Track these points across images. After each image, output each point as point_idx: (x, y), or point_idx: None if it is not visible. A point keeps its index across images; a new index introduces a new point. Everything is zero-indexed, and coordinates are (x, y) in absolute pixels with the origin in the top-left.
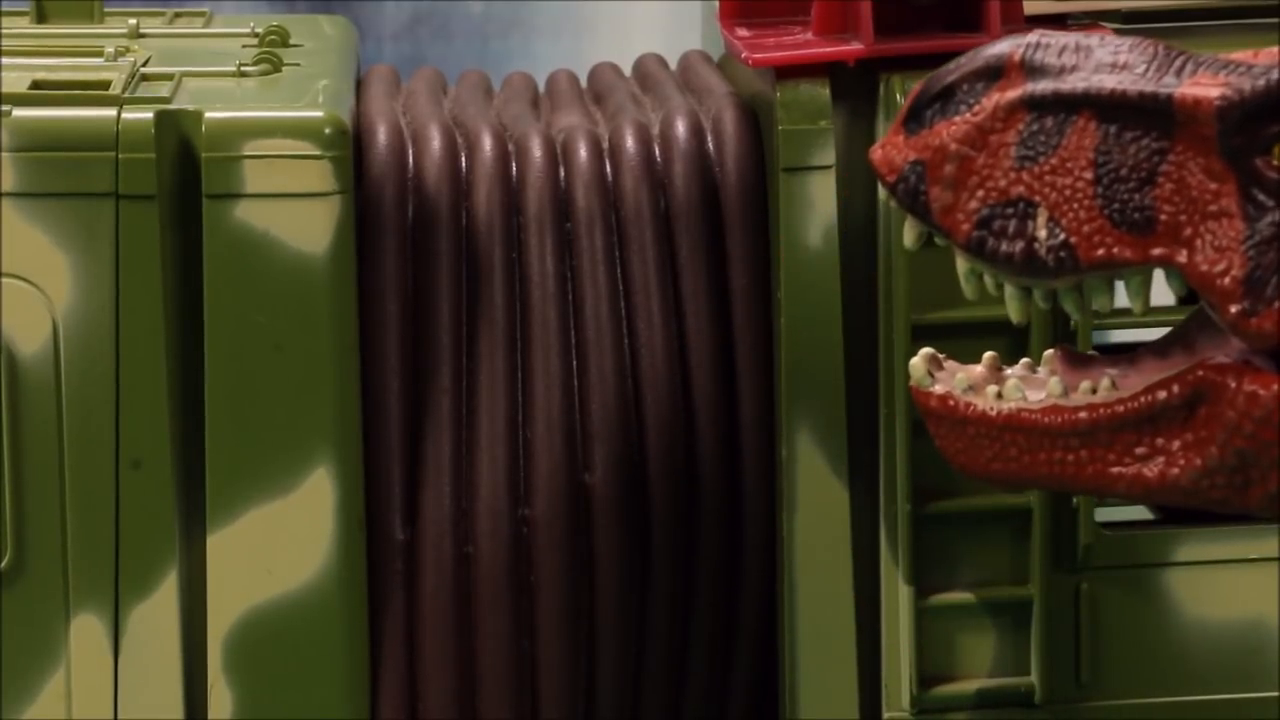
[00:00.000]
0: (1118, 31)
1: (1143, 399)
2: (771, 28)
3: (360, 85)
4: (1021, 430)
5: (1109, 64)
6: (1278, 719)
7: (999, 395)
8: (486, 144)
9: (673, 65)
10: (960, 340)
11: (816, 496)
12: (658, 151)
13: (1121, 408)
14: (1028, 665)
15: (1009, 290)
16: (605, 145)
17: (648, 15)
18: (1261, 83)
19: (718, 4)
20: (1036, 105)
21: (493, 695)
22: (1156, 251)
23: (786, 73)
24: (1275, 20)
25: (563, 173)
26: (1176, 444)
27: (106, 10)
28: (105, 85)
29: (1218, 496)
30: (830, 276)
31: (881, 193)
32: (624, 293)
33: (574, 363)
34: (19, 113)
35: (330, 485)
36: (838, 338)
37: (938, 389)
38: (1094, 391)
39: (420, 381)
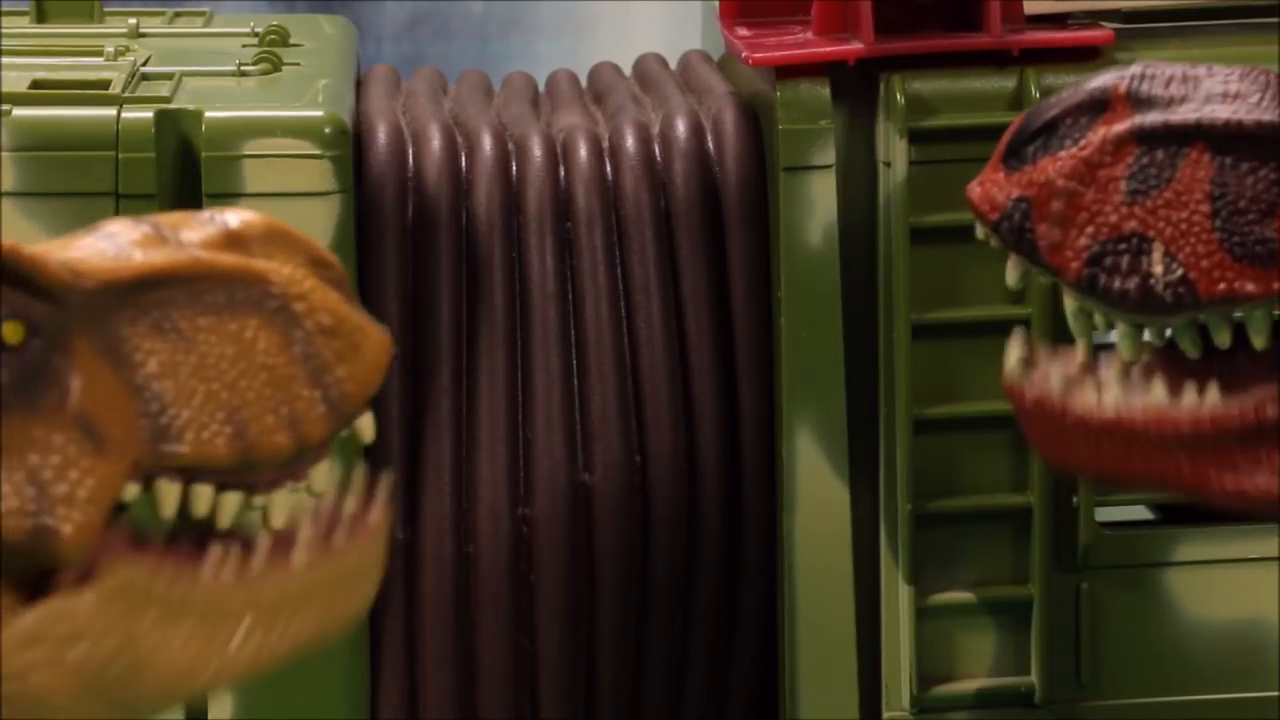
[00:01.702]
0: (1117, 32)
1: (1252, 412)
2: (771, 28)
3: (360, 85)
4: (1123, 437)
5: (1220, 94)
6: (1278, 719)
7: (1099, 400)
8: (486, 144)
9: (673, 65)
10: (960, 340)
11: (816, 496)
12: (658, 151)
13: (1229, 421)
14: (1028, 665)
15: (1120, 329)
16: (605, 145)
17: (648, 15)
18: None
19: (718, 4)
20: (1146, 138)
21: (493, 695)
22: None
23: (786, 72)
24: (1275, 20)
25: (563, 172)
26: None
27: (106, 10)
28: (105, 85)
29: None
30: (830, 276)
31: (882, 197)
32: (624, 292)
33: (574, 362)
34: (19, 112)
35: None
36: (838, 338)
37: (1031, 389)
38: (1200, 395)
39: (420, 381)
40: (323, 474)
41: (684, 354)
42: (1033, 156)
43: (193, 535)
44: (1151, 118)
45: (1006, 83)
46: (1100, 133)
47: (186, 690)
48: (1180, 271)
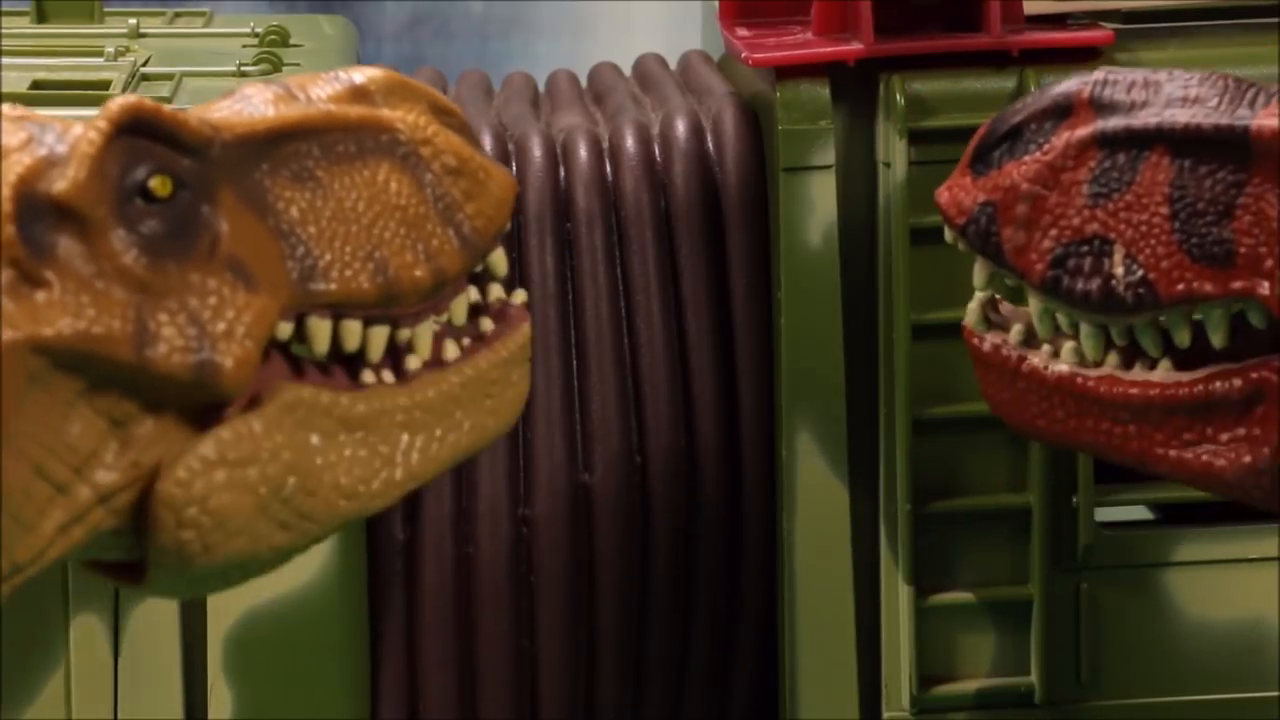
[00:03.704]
0: (1117, 32)
1: (1200, 387)
2: (771, 28)
3: None
4: (1073, 395)
5: (1180, 98)
6: (1278, 719)
7: (1055, 354)
8: (487, 144)
9: (673, 65)
10: (960, 340)
11: (816, 496)
12: (658, 151)
13: (1178, 391)
14: (1028, 665)
15: (1085, 330)
16: (605, 145)
17: (648, 15)
18: None
19: (718, 4)
20: (1108, 142)
21: (493, 695)
22: (1237, 284)
23: (786, 73)
24: (1275, 20)
25: (563, 173)
26: (1226, 436)
27: (106, 10)
28: (105, 85)
29: (1258, 496)
30: (830, 276)
31: (882, 197)
32: (624, 292)
33: (574, 362)
34: None
35: None
36: (838, 338)
37: (991, 336)
38: (1152, 369)
39: None
40: (462, 306)
41: (684, 354)
42: (998, 161)
43: (347, 367)
44: (1113, 122)
45: (1006, 83)
46: (1064, 137)
47: (355, 507)
48: (1141, 272)
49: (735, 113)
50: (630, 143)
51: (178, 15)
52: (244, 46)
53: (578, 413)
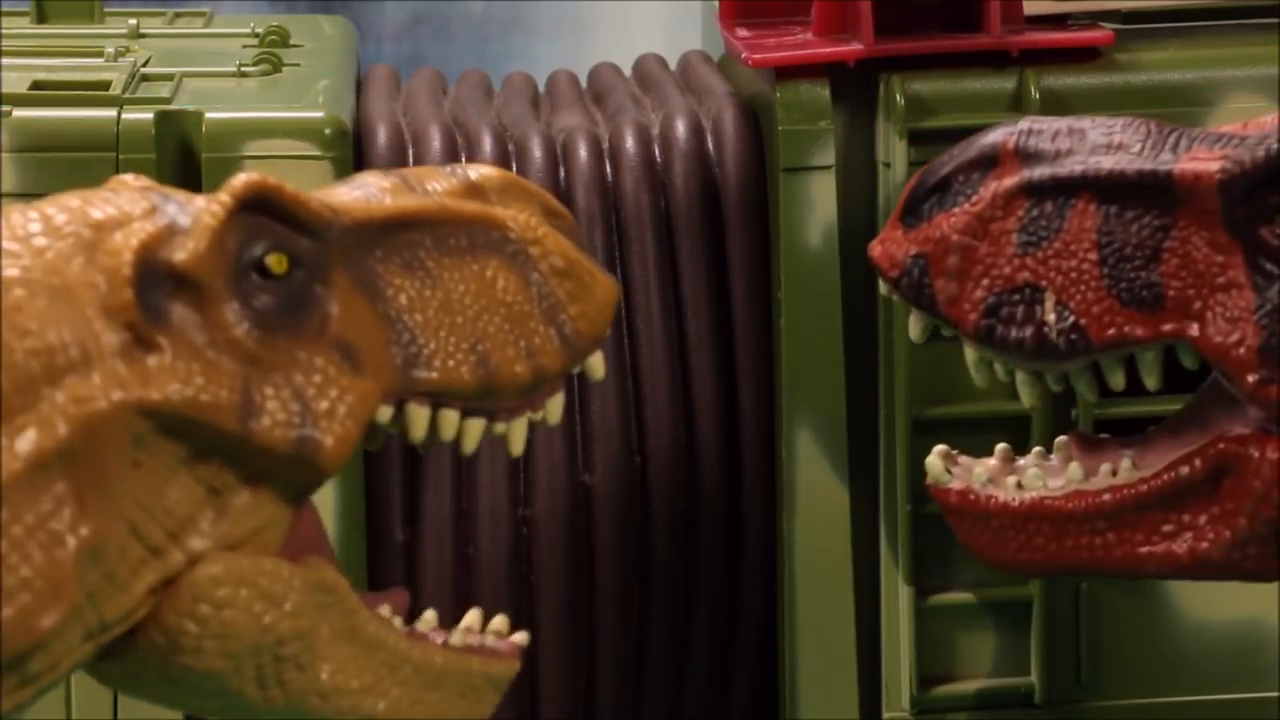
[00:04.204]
0: (1117, 32)
1: (1166, 476)
2: (771, 28)
3: (360, 85)
4: (1046, 518)
5: (1104, 145)
6: (1277, 719)
7: (1019, 485)
8: (486, 144)
9: (673, 65)
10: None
11: (816, 496)
12: (658, 152)
13: (1145, 487)
14: (1028, 665)
15: (1020, 376)
16: (605, 146)
17: (648, 15)
18: (1261, 153)
19: (718, 4)
20: (1035, 191)
21: None
22: (1167, 327)
23: (786, 73)
24: (1275, 20)
25: (563, 173)
26: (1203, 518)
27: (106, 10)
28: (105, 85)
29: (1251, 567)
30: (830, 276)
31: (882, 197)
32: (624, 293)
33: None
34: (19, 113)
35: (330, 486)
36: (838, 338)
37: (956, 485)
38: (1114, 474)
39: None
40: (556, 406)
41: (684, 354)
42: (928, 213)
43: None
44: (1039, 171)
45: (1006, 83)
46: (991, 188)
47: (322, 707)
48: (1072, 319)
49: (735, 113)
50: (630, 143)
51: (178, 15)
52: (244, 47)
53: (578, 413)
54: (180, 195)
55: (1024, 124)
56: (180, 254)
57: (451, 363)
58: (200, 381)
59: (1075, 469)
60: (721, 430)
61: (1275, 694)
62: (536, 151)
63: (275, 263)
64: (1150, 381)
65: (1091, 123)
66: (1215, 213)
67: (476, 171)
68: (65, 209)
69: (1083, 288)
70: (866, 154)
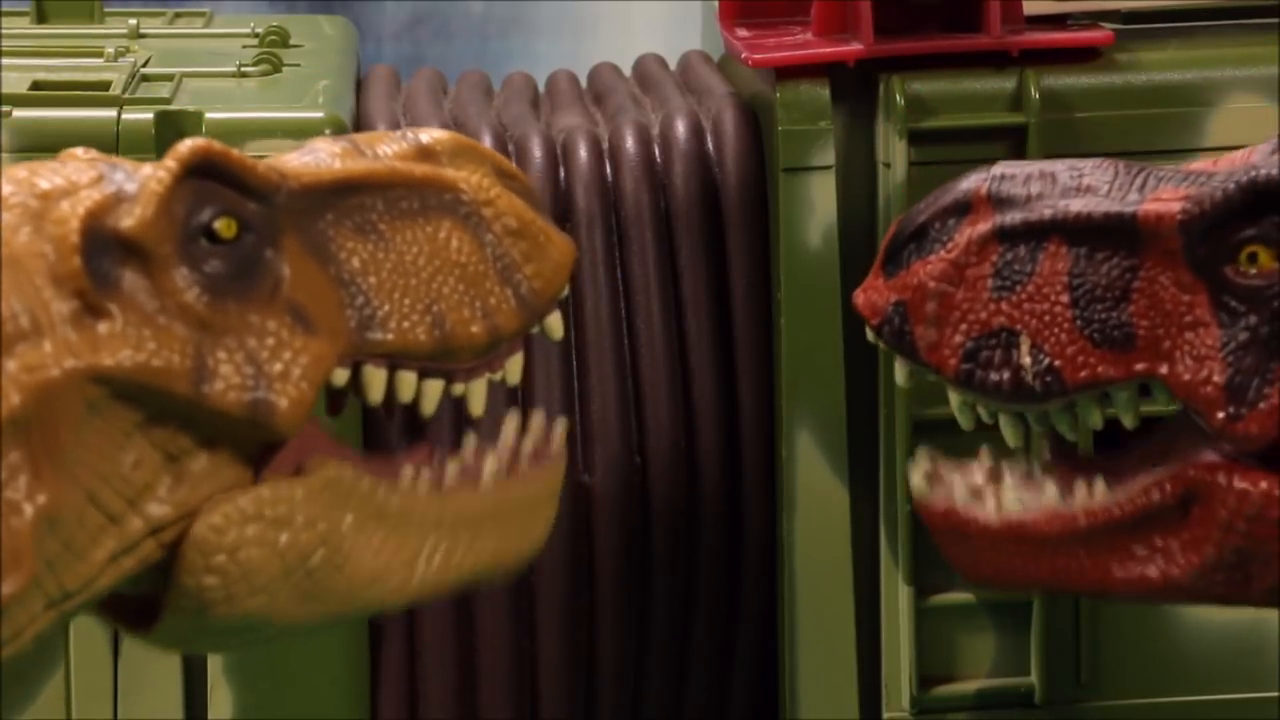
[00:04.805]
0: (1117, 32)
1: (1138, 500)
2: (771, 28)
3: (360, 85)
4: (1023, 539)
5: (1073, 187)
6: (1278, 719)
7: (999, 505)
8: (486, 144)
9: (673, 65)
10: None
11: (816, 496)
12: (658, 152)
13: (1118, 510)
14: (1028, 665)
15: (1003, 418)
16: (605, 146)
17: (648, 15)
18: (1220, 193)
19: (718, 4)
20: (1007, 236)
21: (493, 695)
22: (1139, 366)
23: (786, 73)
24: (1275, 20)
25: (563, 173)
26: (1175, 544)
27: (106, 10)
28: (105, 86)
29: (1219, 593)
30: (830, 276)
31: (882, 197)
32: (624, 293)
33: (574, 362)
34: (19, 113)
35: None
36: (838, 338)
37: (939, 503)
38: (1090, 495)
39: None
40: (516, 366)
41: (684, 354)
42: (907, 261)
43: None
44: (1011, 216)
45: (1006, 83)
46: (965, 234)
47: (374, 597)
48: (1047, 361)
49: (735, 113)
50: (630, 143)
51: (178, 15)
52: (244, 47)
53: (578, 413)
54: (128, 164)
55: (997, 169)
56: (127, 220)
57: (406, 324)
58: (152, 347)
59: (1051, 490)
60: (721, 430)
61: (1275, 694)
62: (536, 152)
63: (224, 227)
64: (1126, 420)
65: (1063, 165)
66: (1178, 253)
67: (428, 135)
68: (12, 180)
69: (1056, 330)
70: (866, 154)
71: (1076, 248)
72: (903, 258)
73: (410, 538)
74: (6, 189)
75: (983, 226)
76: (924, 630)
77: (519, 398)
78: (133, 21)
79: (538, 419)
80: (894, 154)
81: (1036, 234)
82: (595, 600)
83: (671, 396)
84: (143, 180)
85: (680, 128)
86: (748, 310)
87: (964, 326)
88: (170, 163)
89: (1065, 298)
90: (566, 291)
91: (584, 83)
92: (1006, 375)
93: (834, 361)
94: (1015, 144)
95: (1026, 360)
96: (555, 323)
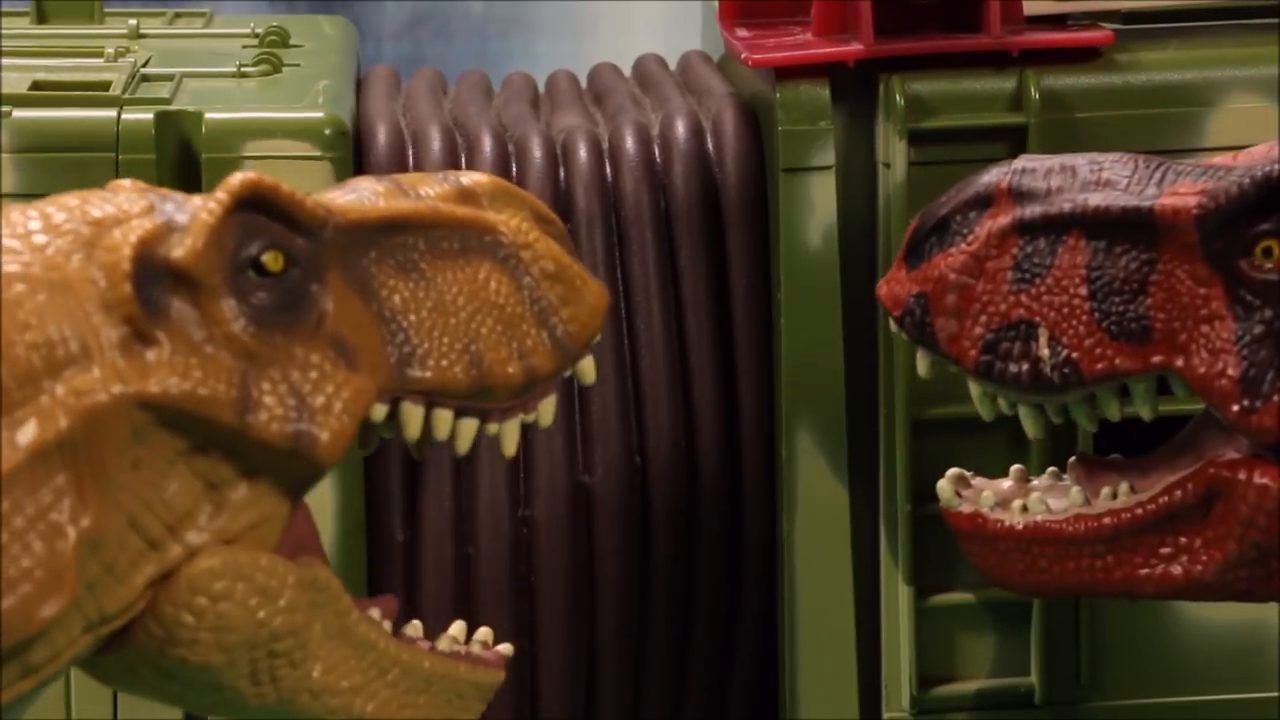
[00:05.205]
0: (1117, 32)
1: (1161, 500)
2: (771, 28)
3: (360, 85)
4: (1048, 541)
5: (1092, 181)
6: (1277, 719)
7: (1024, 509)
8: (486, 144)
9: (673, 65)
10: None
11: (816, 496)
12: (657, 152)
13: (1141, 510)
14: (1028, 665)
15: (1023, 409)
16: (605, 146)
17: (648, 15)
18: (1235, 188)
19: (718, 4)
20: (1027, 229)
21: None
22: (1156, 359)
23: (786, 73)
24: (1275, 20)
25: (563, 173)
26: (1198, 541)
27: (106, 10)
28: (105, 86)
29: (1243, 589)
30: (830, 276)
31: (882, 197)
32: (624, 293)
33: None
34: (19, 113)
35: (330, 486)
36: (838, 338)
37: (965, 508)
38: (1115, 497)
39: None
40: (549, 408)
41: (684, 354)
42: (929, 253)
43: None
44: (1031, 210)
45: (1006, 84)
46: (986, 227)
47: (314, 706)
48: (1065, 353)
49: (735, 113)
50: (630, 143)
51: (178, 15)
52: (244, 47)
53: (577, 414)
54: (177, 195)
55: (1018, 163)
56: (178, 250)
57: (445, 362)
58: (198, 375)
59: (1076, 493)
60: (721, 430)
61: (1275, 694)
62: (536, 152)
63: (271, 260)
64: (1144, 412)
65: (1084, 159)
66: (1195, 247)
67: (469, 177)
68: (64, 208)
69: (1074, 323)
70: (866, 154)
71: (1095, 241)
72: (925, 250)
73: (364, 668)
74: (59, 216)
75: (1003, 220)
76: (924, 630)
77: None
78: (133, 21)
79: (484, 632)
80: (894, 154)
81: (1056, 227)
82: (595, 600)
83: (671, 396)
84: (193, 211)
85: (680, 128)
86: (748, 310)
87: (984, 318)
88: (221, 195)
89: (1084, 290)
90: (599, 337)
91: (584, 83)
92: (1025, 367)
93: (834, 362)
94: (1015, 144)
95: (1045, 352)
96: (588, 366)
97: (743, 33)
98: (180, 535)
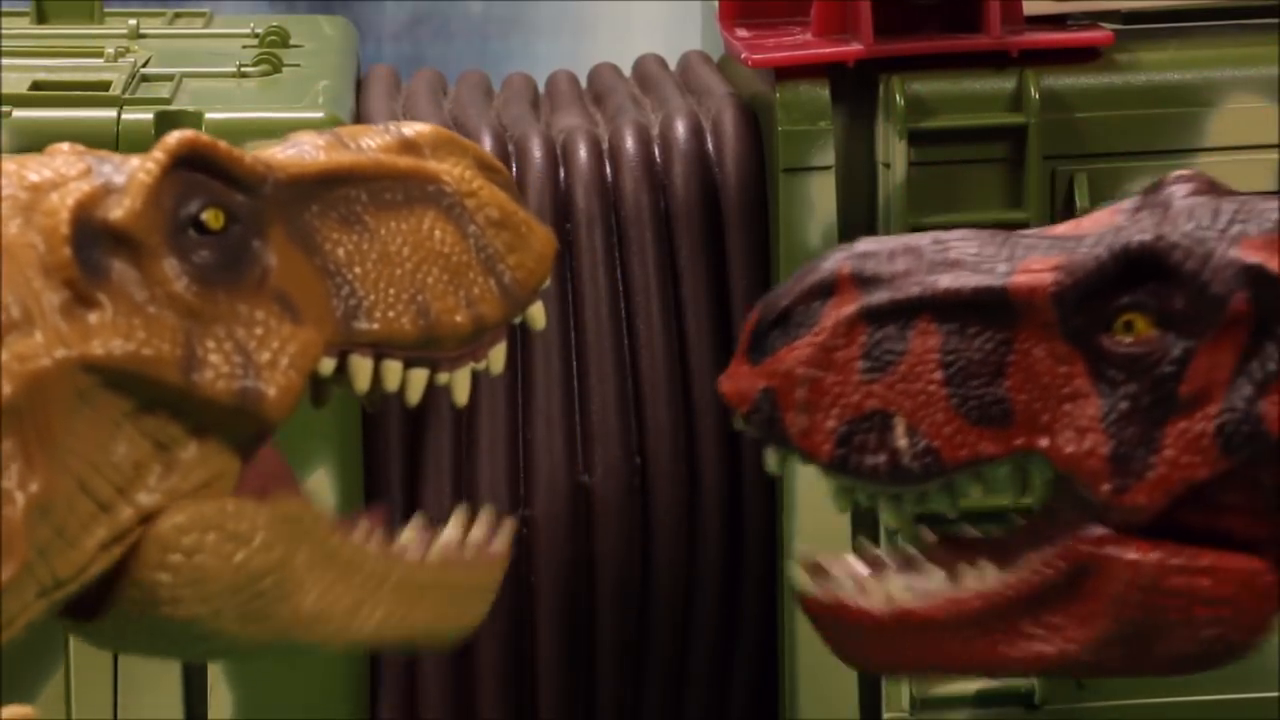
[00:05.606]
0: (1117, 33)
1: (1030, 579)
2: (771, 28)
3: (360, 85)
4: (915, 627)
5: (939, 262)
6: (1277, 719)
7: (888, 597)
8: (486, 145)
9: (673, 65)
10: None
11: (816, 497)
12: (657, 152)
13: (1010, 592)
14: None
15: (881, 500)
16: (605, 146)
17: (648, 15)
18: (1093, 261)
19: (717, 4)
20: (875, 316)
21: (491, 695)
22: (1019, 441)
23: (786, 73)
24: (1275, 20)
25: (563, 174)
26: (1068, 620)
27: (106, 10)
28: (105, 86)
29: (1119, 666)
30: None
31: (882, 197)
32: (624, 293)
33: (574, 363)
34: (19, 113)
35: (330, 485)
36: None
37: (823, 595)
38: (979, 575)
39: None
40: (499, 356)
41: (684, 355)
42: (773, 346)
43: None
44: (877, 296)
45: (1006, 84)
46: (831, 316)
47: (312, 634)
48: (924, 442)
49: (735, 113)
50: (630, 144)
51: (178, 15)
52: (244, 47)
53: (577, 413)
54: (115, 157)
55: (859, 246)
56: (116, 211)
57: (392, 313)
58: (142, 336)
59: (938, 576)
60: (721, 430)
61: (1275, 694)
62: (536, 152)
63: (212, 218)
64: (1006, 499)
65: (926, 239)
66: (1054, 324)
67: (410, 128)
68: (1, 173)
69: (931, 410)
70: (866, 154)
71: (947, 324)
72: (767, 344)
73: (355, 588)
74: None
75: (848, 308)
76: None
77: (520, 398)
78: (133, 21)
79: (487, 513)
80: (894, 154)
81: (905, 313)
82: (595, 601)
83: (671, 397)
84: (131, 172)
85: (680, 128)
86: (748, 310)
87: (836, 411)
88: (158, 154)
89: (939, 375)
90: (548, 282)
91: (584, 83)
92: (883, 458)
93: None
94: (1015, 144)
95: (902, 442)
96: (538, 312)
97: (743, 33)
98: (130, 496)
